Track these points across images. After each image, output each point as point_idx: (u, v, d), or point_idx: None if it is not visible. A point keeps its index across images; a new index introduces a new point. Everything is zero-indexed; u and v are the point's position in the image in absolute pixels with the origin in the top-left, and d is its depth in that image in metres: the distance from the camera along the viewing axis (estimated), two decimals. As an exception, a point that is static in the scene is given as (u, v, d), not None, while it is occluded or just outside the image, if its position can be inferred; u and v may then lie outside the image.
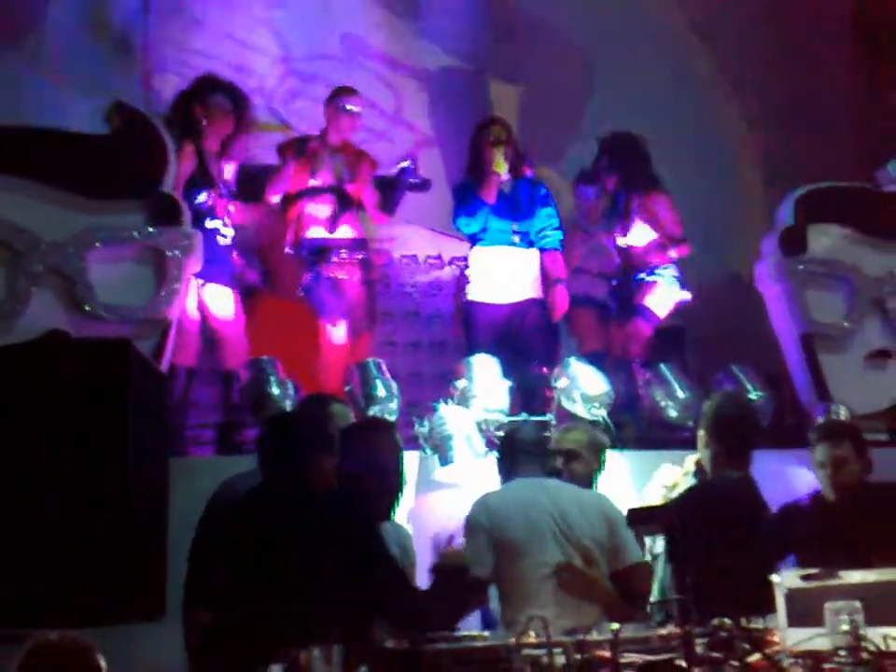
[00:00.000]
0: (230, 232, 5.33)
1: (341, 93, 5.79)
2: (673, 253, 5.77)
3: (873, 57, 7.45)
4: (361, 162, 5.81)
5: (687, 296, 5.84)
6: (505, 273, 5.56)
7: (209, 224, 5.17)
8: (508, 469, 3.92)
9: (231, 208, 5.38)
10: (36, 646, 2.02)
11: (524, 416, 5.13)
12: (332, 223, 5.65)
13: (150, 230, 4.67)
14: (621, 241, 5.84)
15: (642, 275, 5.81)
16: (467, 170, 5.77)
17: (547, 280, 5.66)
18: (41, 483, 2.99)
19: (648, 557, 3.89)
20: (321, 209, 5.65)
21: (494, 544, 3.62)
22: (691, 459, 4.24)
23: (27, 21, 6.33)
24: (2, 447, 2.79)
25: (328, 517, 3.10)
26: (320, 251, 5.58)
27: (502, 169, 5.53)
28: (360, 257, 5.67)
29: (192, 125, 5.30)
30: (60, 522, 3.02)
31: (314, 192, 5.64)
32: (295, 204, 5.64)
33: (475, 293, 5.59)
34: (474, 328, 5.57)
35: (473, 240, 5.66)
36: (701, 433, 3.98)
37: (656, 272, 5.81)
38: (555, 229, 5.67)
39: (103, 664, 2.09)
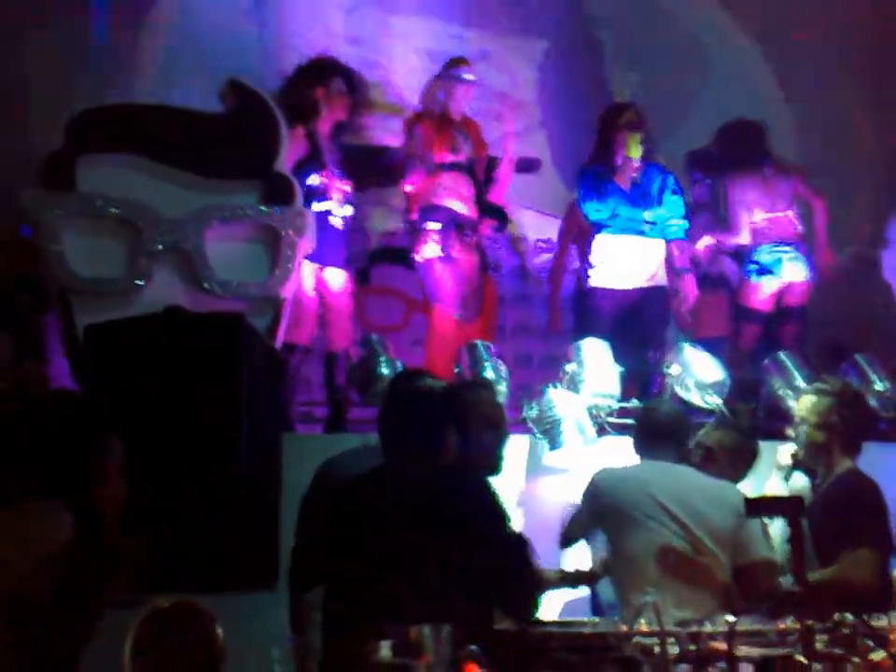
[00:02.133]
0: (344, 212, 5.33)
1: (455, 64, 5.72)
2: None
3: None
4: (481, 142, 5.75)
5: (796, 277, 5.78)
6: (631, 260, 5.46)
7: (319, 206, 5.18)
8: (640, 449, 3.83)
9: (347, 188, 5.39)
10: (154, 612, 2.05)
11: (634, 402, 5.08)
12: (471, 200, 5.61)
13: (264, 208, 4.71)
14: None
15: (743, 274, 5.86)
16: (594, 154, 5.61)
17: (673, 270, 5.57)
18: (157, 454, 3.05)
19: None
20: (461, 185, 5.58)
21: (600, 516, 3.62)
22: (786, 451, 4.08)
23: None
24: (119, 419, 2.83)
25: (455, 493, 3.07)
26: (459, 225, 5.55)
27: (637, 154, 5.39)
28: (476, 238, 5.63)
29: (309, 108, 5.30)
30: (175, 492, 3.09)
31: (453, 167, 5.56)
32: (432, 177, 5.52)
33: (599, 279, 5.50)
34: (595, 313, 5.47)
35: (599, 226, 5.54)
36: (814, 420, 3.81)
37: (750, 263, 5.81)
38: (683, 218, 5.55)
39: (219, 631, 2.12)
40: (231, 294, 4.56)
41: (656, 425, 3.80)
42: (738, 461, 3.94)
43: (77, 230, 4.53)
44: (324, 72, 5.43)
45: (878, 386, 4.88)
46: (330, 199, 5.27)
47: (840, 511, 3.58)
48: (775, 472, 4.06)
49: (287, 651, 2.50)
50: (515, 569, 3.02)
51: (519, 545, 3.11)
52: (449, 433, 3.17)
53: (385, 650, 2.36)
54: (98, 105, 4.72)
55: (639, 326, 5.47)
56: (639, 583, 3.40)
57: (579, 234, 5.98)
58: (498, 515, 3.09)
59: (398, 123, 6.20)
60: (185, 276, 4.55)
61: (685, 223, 5.57)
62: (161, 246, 4.54)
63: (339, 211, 5.31)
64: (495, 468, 3.55)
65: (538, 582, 3.14)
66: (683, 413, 4.09)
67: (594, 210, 5.49)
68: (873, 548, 3.47)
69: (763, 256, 5.81)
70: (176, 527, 3.05)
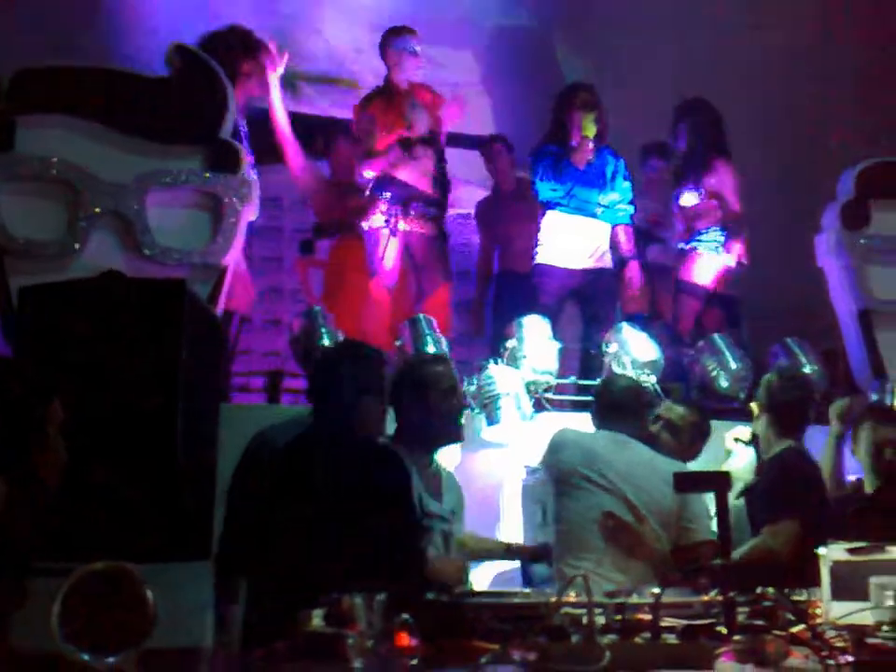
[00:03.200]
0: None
1: (401, 33, 5.65)
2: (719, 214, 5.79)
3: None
4: (440, 107, 5.71)
5: (731, 261, 5.86)
6: (580, 241, 5.52)
7: None
8: (597, 421, 3.92)
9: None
10: (84, 574, 2.05)
11: (572, 379, 5.17)
12: (430, 174, 5.60)
13: (207, 175, 4.66)
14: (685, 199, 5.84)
15: (681, 245, 5.91)
16: (548, 134, 5.66)
17: (618, 254, 5.64)
18: (91, 421, 3.02)
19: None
20: (419, 159, 5.57)
21: (548, 473, 3.75)
22: (742, 431, 4.21)
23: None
24: (54, 384, 2.80)
25: (364, 465, 3.09)
26: (408, 199, 5.52)
27: (591, 133, 5.45)
28: (433, 212, 5.64)
29: (234, 78, 5.12)
30: (109, 460, 3.06)
31: (410, 144, 5.54)
32: (390, 153, 5.52)
33: (547, 256, 5.53)
34: (539, 290, 5.53)
35: (549, 204, 5.57)
36: (757, 404, 3.93)
37: (697, 238, 5.85)
38: (630, 203, 5.64)
39: (150, 595, 2.12)
40: (171, 261, 4.52)
41: (613, 398, 3.88)
42: (693, 439, 4.06)
43: (14, 191, 4.44)
44: (251, 45, 5.31)
45: (807, 370, 5.01)
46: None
47: (775, 486, 3.69)
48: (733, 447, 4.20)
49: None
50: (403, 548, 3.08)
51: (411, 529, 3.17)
52: (363, 401, 3.19)
53: (316, 619, 2.38)
54: (39, 65, 4.62)
55: (584, 305, 5.56)
56: (578, 547, 3.50)
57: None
58: (395, 492, 3.14)
59: (336, 94, 6.19)
60: (124, 241, 4.49)
61: (632, 208, 5.68)
62: (99, 210, 4.48)
63: None
64: (456, 438, 3.65)
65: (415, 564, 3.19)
66: (641, 388, 4.19)
67: (549, 190, 5.54)
68: (792, 520, 3.57)
69: (716, 235, 5.89)
70: (110, 496, 3.03)
